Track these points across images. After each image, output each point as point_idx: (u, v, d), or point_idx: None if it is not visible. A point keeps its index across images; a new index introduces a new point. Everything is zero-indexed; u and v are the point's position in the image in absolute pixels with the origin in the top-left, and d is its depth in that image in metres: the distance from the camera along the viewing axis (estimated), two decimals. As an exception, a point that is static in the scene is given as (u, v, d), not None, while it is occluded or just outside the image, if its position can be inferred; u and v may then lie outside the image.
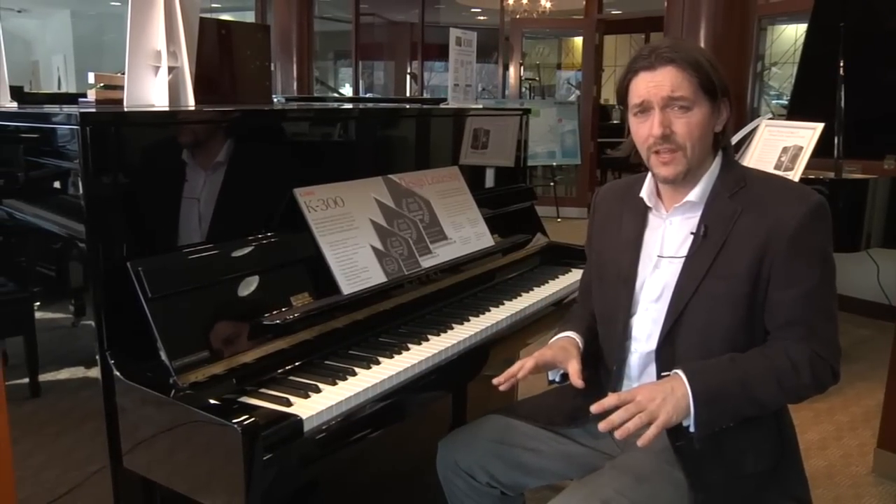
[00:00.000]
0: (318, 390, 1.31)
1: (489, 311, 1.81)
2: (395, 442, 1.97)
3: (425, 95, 11.02)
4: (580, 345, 1.52)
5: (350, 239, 1.60)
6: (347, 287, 1.54)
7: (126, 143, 1.29)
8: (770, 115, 4.73)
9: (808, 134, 3.09)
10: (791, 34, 6.92)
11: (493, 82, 10.18)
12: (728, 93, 1.38)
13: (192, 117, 1.49)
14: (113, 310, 1.24)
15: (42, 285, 1.42)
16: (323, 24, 10.99)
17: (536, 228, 2.30)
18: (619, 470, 1.37)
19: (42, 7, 12.84)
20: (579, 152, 8.19)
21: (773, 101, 7.45)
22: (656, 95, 1.33)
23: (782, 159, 3.12)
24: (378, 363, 1.45)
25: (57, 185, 1.31)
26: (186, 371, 1.23)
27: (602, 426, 1.26)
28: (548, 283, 2.07)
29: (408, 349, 1.53)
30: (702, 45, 4.42)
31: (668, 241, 1.43)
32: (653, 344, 1.40)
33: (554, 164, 8.25)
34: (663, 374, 1.37)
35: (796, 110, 3.86)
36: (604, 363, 1.53)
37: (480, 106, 2.42)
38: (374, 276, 1.60)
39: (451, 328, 1.67)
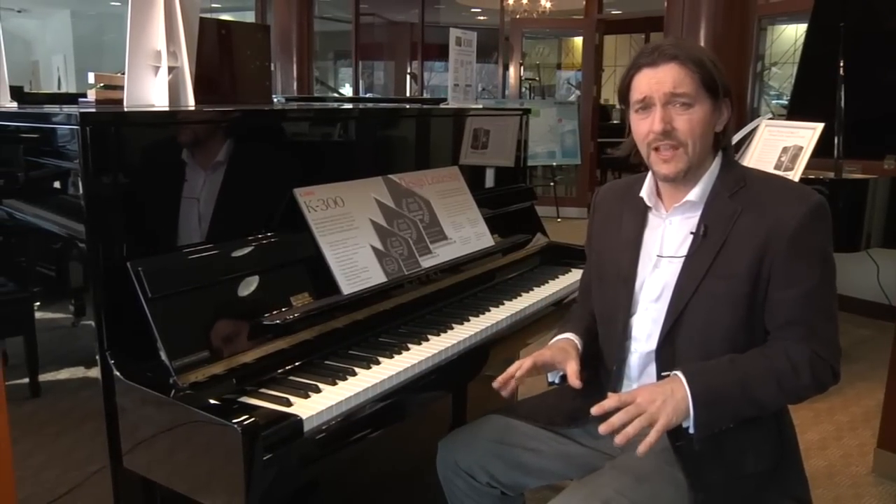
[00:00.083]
0: (318, 390, 1.31)
1: (489, 311, 1.81)
2: (395, 442, 1.97)
3: (425, 95, 11.02)
4: (579, 346, 1.52)
5: (350, 239, 1.60)
6: (347, 287, 1.54)
7: (126, 143, 1.29)
8: (770, 115, 4.74)
9: (808, 134, 3.09)
10: (791, 34, 6.93)
11: (493, 82, 10.17)
12: (730, 93, 1.38)
13: (192, 117, 1.48)
14: (113, 310, 1.24)
15: (42, 285, 1.42)
16: (323, 24, 10.99)
17: (536, 228, 2.30)
18: (619, 470, 1.37)
19: (42, 7, 12.84)
20: (579, 152, 8.19)
21: (773, 101, 7.45)
22: (658, 91, 1.33)
23: (782, 159, 3.12)
24: (378, 363, 1.45)
25: (57, 185, 1.31)
26: (186, 371, 1.23)
27: (602, 429, 1.26)
28: (548, 283, 2.07)
29: (408, 349, 1.53)
30: (702, 45, 4.42)
31: (667, 240, 1.43)
32: (653, 344, 1.40)
33: (554, 164, 8.25)
34: (663, 374, 1.37)
35: (796, 110, 3.86)
36: (604, 363, 1.53)
37: (480, 106, 2.42)
38: (374, 276, 1.60)
39: (451, 328, 1.67)
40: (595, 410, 1.29)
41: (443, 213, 1.89)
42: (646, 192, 1.46)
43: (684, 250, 1.39)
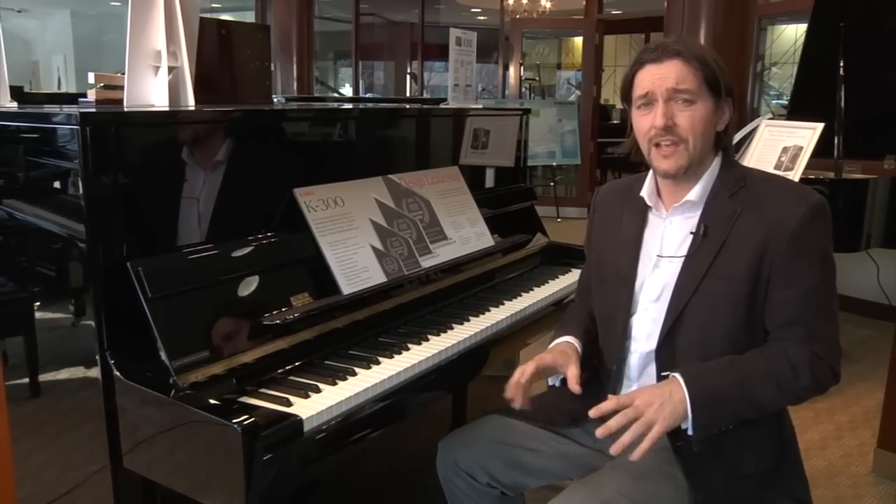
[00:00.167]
0: (318, 390, 1.31)
1: (489, 311, 1.81)
2: (395, 442, 1.97)
3: (425, 95, 11.02)
4: (579, 349, 1.51)
5: (350, 239, 1.60)
6: (347, 287, 1.54)
7: (126, 143, 1.29)
8: (770, 115, 4.74)
9: (808, 134, 3.09)
10: (791, 34, 6.93)
11: (493, 82, 10.17)
12: (732, 93, 1.38)
13: (191, 117, 1.48)
14: (113, 310, 1.24)
15: (42, 285, 1.42)
16: (323, 24, 10.99)
17: (536, 228, 2.30)
18: (619, 470, 1.37)
19: (42, 7, 12.84)
20: (579, 152, 8.19)
21: (773, 101, 7.45)
22: (661, 87, 1.33)
23: (782, 159, 3.12)
24: (378, 363, 1.45)
25: (57, 185, 1.31)
26: (186, 371, 1.23)
27: (599, 433, 1.27)
28: (548, 283, 2.07)
29: (408, 349, 1.53)
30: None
31: (667, 240, 1.43)
32: (652, 344, 1.40)
33: (554, 164, 8.25)
34: (663, 374, 1.37)
35: (796, 110, 3.86)
36: (603, 363, 1.53)
37: (480, 106, 2.42)
38: (374, 276, 1.60)
39: (451, 328, 1.67)
40: (593, 413, 1.29)
41: (443, 213, 1.89)
42: (646, 191, 1.46)
43: (684, 250, 1.39)
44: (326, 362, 1.45)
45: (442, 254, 1.81)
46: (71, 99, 2.27)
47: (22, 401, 1.52)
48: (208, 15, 2.01)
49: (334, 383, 1.34)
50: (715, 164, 1.41)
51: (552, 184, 8.36)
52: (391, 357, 1.48)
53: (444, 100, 2.52)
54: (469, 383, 1.98)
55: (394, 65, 13.52)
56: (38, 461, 1.50)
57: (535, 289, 2.01)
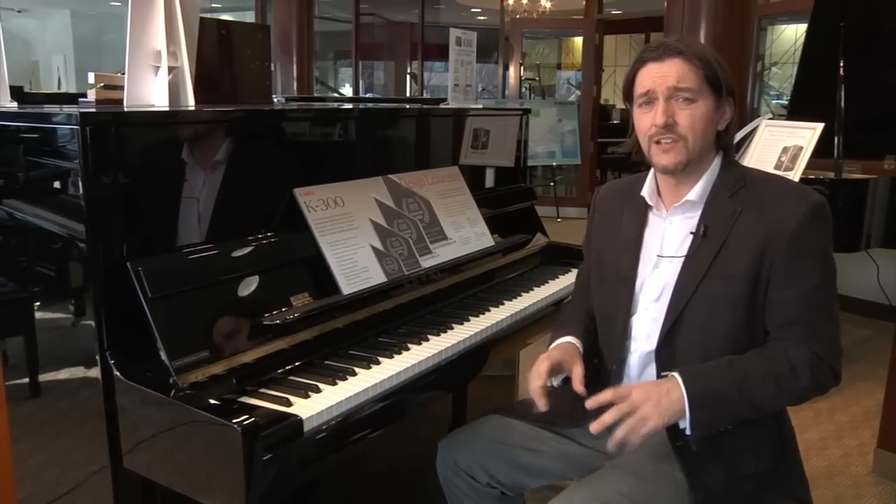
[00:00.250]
0: (318, 390, 1.31)
1: (489, 311, 1.81)
2: (395, 442, 1.97)
3: (425, 95, 11.02)
4: (581, 350, 1.51)
5: (350, 239, 1.60)
6: (347, 287, 1.53)
7: (126, 143, 1.29)
8: (770, 115, 4.74)
9: (808, 134, 3.09)
10: (791, 34, 6.93)
11: (493, 82, 10.17)
12: (734, 92, 1.39)
13: (192, 117, 1.48)
14: (113, 310, 1.24)
15: (42, 285, 1.42)
16: (323, 24, 10.98)
17: (536, 228, 2.30)
18: (619, 470, 1.37)
19: (42, 7, 12.84)
20: (579, 152, 8.19)
21: (773, 101, 7.45)
22: (661, 85, 1.33)
23: (782, 159, 3.12)
24: (378, 363, 1.45)
25: (57, 185, 1.31)
26: (186, 371, 1.23)
27: (594, 427, 1.28)
28: (548, 283, 2.07)
29: (408, 349, 1.53)
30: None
31: (667, 240, 1.43)
32: (652, 344, 1.40)
33: (554, 164, 8.25)
34: (662, 374, 1.37)
35: (796, 110, 3.86)
36: (603, 363, 1.53)
37: (480, 106, 2.42)
38: (374, 276, 1.60)
39: (451, 328, 1.67)
40: (590, 404, 1.30)
41: (443, 213, 1.89)
42: (647, 190, 1.46)
43: (684, 250, 1.39)
44: (326, 362, 1.45)
45: (442, 254, 1.81)
46: (71, 99, 2.27)
47: (22, 401, 1.52)
48: (208, 15, 2.01)
49: (334, 383, 1.34)
50: (715, 164, 1.41)
51: (552, 184, 8.36)
52: (391, 357, 1.48)
53: (444, 100, 2.52)
54: (469, 383, 1.98)
55: (394, 65, 13.52)
56: (38, 461, 1.50)
57: (535, 289, 2.01)
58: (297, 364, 1.42)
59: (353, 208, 1.65)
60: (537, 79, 11.29)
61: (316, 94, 8.67)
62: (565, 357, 1.47)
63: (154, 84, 1.61)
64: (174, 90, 1.63)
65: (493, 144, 2.26)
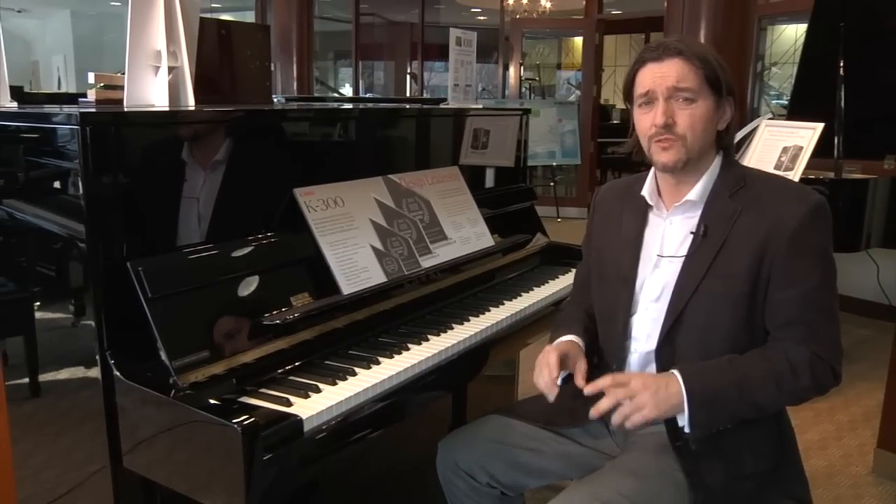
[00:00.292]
0: (318, 390, 1.31)
1: (489, 311, 1.81)
2: (395, 442, 1.97)
3: (425, 95, 11.02)
4: (582, 348, 1.52)
5: (350, 239, 1.60)
6: (347, 287, 1.53)
7: (126, 143, 1.29)
8: (770, 115, 4.74)
9: (808, 134, 3.09)
10: (791, 34, 6.93)
11: (493, 82, 10.17)
12: (734, 92, 1.39)
13: (192, 117, 1.48)
14: (113, 310, 1.24)
15: (42, 285, 1.42)
16: (323, 24, 10.98)
17: (536, 228, 2.30)
18: (619, 470, 1.37)
19: (42, 7, 12.84)
20: (579, 152, 8.19)
21: (773, 101, 7.45)
22: (661, 85, 1.33)
23: (782, 159, 3.12)
24: (378, 363, 1.45)
25: (57, 185, 1.31)
26: (186, 371, 1.23)
27: (592, 413, 1.30)
28: (548, 283, 2.07)
29: (408, 349, 1.53)
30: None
31: (668, 240, 1.43)
32: (653, 343, 1.41)
33: (554, 164, 8.25)
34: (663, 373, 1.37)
35: (796, 110, 3.86)
36: (604, 362, 1.53)
37: (480, 106, 2.42)
38: (374, 276, 1.60)
39: (451, 328, 1.67)
40: (589, 389, 1.32)
41: (443, 213, 1.89)
42: (647, 190, 1.46)
43: (684, 250, 1.39)
44: (326, 362, 1.45)
45: (442, 254, 1.81)
46: (71, 99, 2.27)
47: (22, 401, 1.52)
48: (208, 15, 2.01)
49: (334, 383, 1.34)
50: (716, 164, 1.41)
51: (552, 184, 8.36)
52: (391, 357, 1.48)
53: (444, 100, 2.52)
54: (469, 383, 1.98)
55: (394, 65, 13.52)
56: (38, 461, 1.50)
57: (535, 289, 2.01)
58: (297, 364, 1.42)
59: (353, 208, 1.65)
60: (537, 79, 11.29)
61: (316, 94, 8.67)
62: (571, 350, 1.47)
63: (154, 84, 1.61)
64: (174, 90, 1.63)
65: (493, 144, 2.26)
